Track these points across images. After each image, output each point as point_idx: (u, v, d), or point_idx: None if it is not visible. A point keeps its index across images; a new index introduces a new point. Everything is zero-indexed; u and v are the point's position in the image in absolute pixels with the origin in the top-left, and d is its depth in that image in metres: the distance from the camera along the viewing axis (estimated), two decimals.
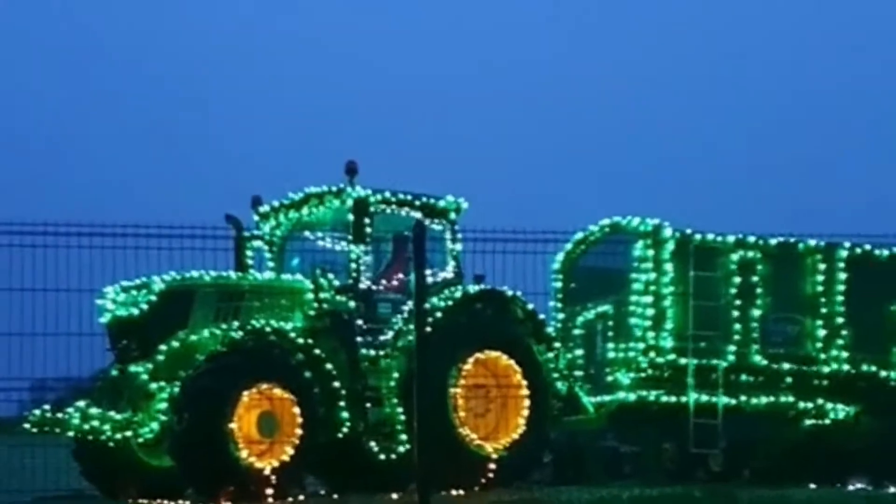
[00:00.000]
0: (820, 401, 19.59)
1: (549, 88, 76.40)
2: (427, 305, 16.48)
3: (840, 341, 19.56)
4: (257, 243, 18.18)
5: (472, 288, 17.74)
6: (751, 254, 19.40)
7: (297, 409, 16.01)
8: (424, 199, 17.90)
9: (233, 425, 15.58)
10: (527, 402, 17.43)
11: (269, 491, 15.74)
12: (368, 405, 16.90)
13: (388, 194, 17.65)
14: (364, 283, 17.27)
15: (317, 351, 16.43)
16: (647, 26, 77.51)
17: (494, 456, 17.11)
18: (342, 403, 16.47)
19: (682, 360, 18.79)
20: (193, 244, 16.96)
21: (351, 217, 17.18)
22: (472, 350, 17.26)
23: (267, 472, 15.76)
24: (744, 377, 19.19)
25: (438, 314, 16.85)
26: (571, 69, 77.94)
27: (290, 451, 15.98)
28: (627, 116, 75.91)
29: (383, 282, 17.64)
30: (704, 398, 18.85)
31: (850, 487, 18.86)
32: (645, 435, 20.24)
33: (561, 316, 19.91)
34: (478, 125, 74.83)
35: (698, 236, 19.24)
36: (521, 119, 76.22)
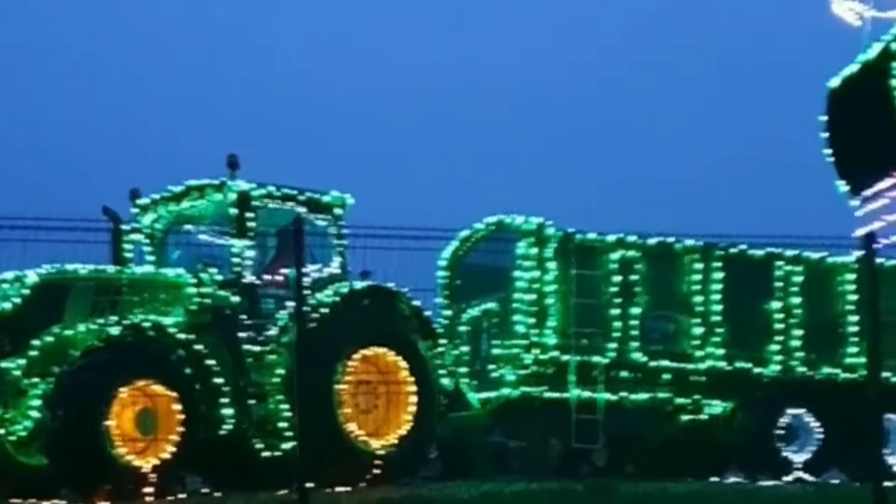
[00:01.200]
0: (697, 396, 18.41)
1: (437, 82, 74.71)
2: (312, 301, 15.35)
3: (716, 339, 18.34)
4: (136, 237, 16.44)
5: (358, 284, 16.25)
6: (630, 253, 18.14)
7: (177, 406, 14.46)
8: (309, 194, 16.39)
9: (109, 423, 13.99)
10: (413, 399, 15.99)
11: (148, 489, 14.16)
12: (252, 402, 15.31)
13: (271, 188, 16.11)
14: (248, 278, 15.67)
15: (198, 347, 14.84)
16: (533, 22, 76.17)
17: (381, 452, 15.71)
18: (224, 400, 14.94)
19: (565, 357, 17.48)
20: (69, 237, 15.15)
21: (233, 211, 15.65)
22: (358, 346, 15.76)
23: (146, 470, 14.20)
24: (624, 374, 17.93)
25: (324, 310, 15.41)
26: (460, 62, 76.21)
27: (171, 448, 14.44)
28: (517, 114, 74.43)
29: (267, 277, 16.00)
30: (586, 394, 17.57)
31: (727, 481, 17.82)
32: (532, 430, 18.89)
33: (447, 312, 18.44)
34: (365, 121, 72.60)
35: (580, 235, 17.97)
36: (409, 115, 74.19)
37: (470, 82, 77.57)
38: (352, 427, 15.53)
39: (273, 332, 15.51)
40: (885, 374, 18.37)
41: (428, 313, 16.85)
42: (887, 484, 16.98)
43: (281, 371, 15.22)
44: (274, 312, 15.67)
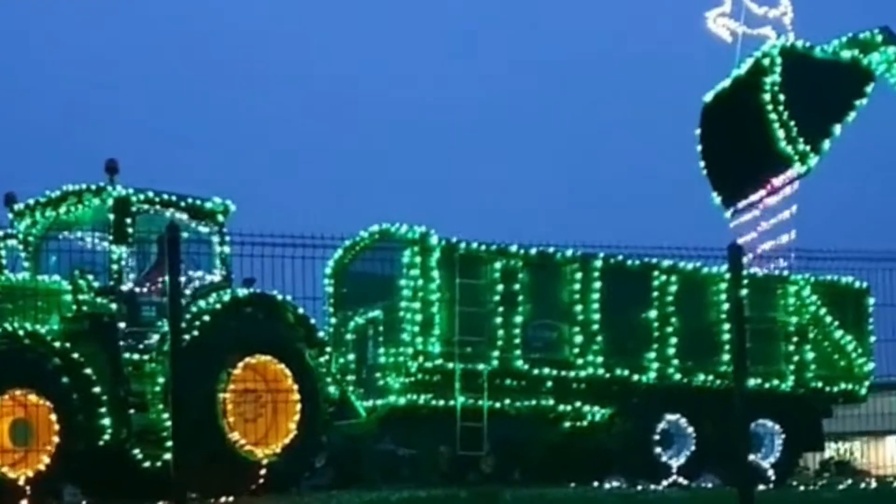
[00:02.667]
0: (578, 403, 17.89)
1: (321, 92, 73.51)
2: (194, 309, 14.41)
3: (596, 347, 17.79)
4: (11, 242, 15.24)
5: (242, 292, 15.24)
6: (512, 262, 17.52)
7: (53, 416, 13.38)
8: (190, 200, 15.35)
9: None
10: (298, 407, 15.05)
11: (24, 502, 13.03)
12: (132, 411, 14.21)
13: (150, 194, 15.07)
14: (127, 285, 14.61)
15: (75, 355, 13.72)
16: (426, 37, 75.48)
17: (265, 461, 14.72)
18: (103, 410, 13.84)
19: (450, 365, 16.78)
20: None
21: (112, 216, 14.57)
22: (242, 354, 14.78)
23: (21, 482, 13.10)
24: (507, 381, 17.29)
25: (206, 318, 14.41)
26: (352, 67, 75.05)
27: (47, 459, 13.35)
28: (402, 124, 73.69)
29: (147, 284, 14.92)
30: (471, 402, 16.88)
31: (607, 486, 17.20)
32: (421, 438, 18.16)
33: (333, 321, 17.62)
34: (250, 129, 71.04)
35: (463, 245, 17.27)
36: (294, 124, 72.82)
37: (354, 93, 76.76)
38: (236, 436, 14.57)
39: (153, 340, 14.46)
40: (757, 381, 18.72)
41: (313, 321, 15.89)
42: (761, 487, 17.18)
43: (162, 380, 14.14)
44: (155, 320, 14.59)
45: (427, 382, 16.73)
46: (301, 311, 15.64)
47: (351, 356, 17.31)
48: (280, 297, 15.36)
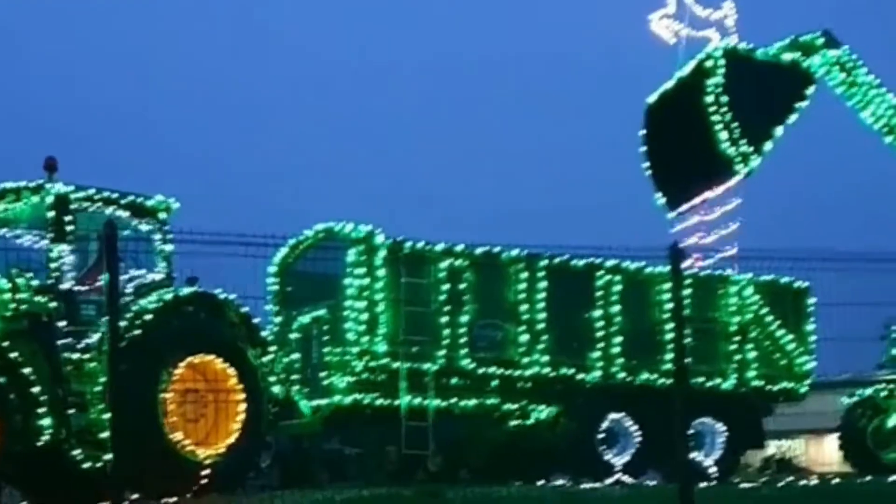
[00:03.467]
0: (523, 402, 17.63)
1: (262, 91, 72.73)
2: (135, 307, 13.88)
3: (541, 346, 17.53)
4: None
5: (184, 290, 14.73)
6: (458, 262, 17.21)
7: None
8: (131, 198, 14.80)
9: None
10: (242, 407, 14.51)
11: None
12: (72, 411, 13.61)
13: (91, 191, 14.51)
14: (66, 284, 14.01)
15: (13, 354, 13.18)
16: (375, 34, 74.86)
17: (208, 462, 14.19)
18: (42, 410, 13.26)
19: (395, 364, 16.46)
20: None
21: (50, 214, 14.02)
22: (184, 354, 14.25)
23: None
24: (453, 380, 16.99)
25: (147, 316, 13.87)
26: (292, 68, 74.41)
27: None
28: (346, 124, 73.10)
29: (87, 282, 14.33)
30: (416, 401, 16.57)
31: (552, 484, 16.88)
32: (368, 437, 17.79)
33: (277, 320, 17.21)
34: (191, 129, 70.18)
35: (409, 244, 16.95)
36: (238, 123, 72.02)
37: (295, 92, 76.20)
38: (178, 436, 14.02)
39: (94, 339, 13.85)
40: (699, 380, 18.57)
41: (257, 320, 15.40)
42: (703, 484, 17.02)
43: (102, 379, 13.58)
44: (95, 319, 13.97)
45: (372, 382, 16.39)
46: (245, 310, 15.13)
47: (296, 355, 16.85)
48: (223, 295, 14.87)
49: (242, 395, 14.61)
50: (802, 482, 18.82)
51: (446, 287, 17.00)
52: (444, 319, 16.93)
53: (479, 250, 17.47)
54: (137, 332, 13.52)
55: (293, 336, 17.02)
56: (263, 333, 15.49)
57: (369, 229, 16.64)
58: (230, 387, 14.59)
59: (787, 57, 20.50)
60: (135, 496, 13.48)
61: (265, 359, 15.19)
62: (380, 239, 16.66)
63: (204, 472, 14.16)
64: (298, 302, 17.24)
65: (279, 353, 15.92)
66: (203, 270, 14.95)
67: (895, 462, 20.33)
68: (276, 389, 15.36)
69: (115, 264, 9.28)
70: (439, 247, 17.15)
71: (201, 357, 14.47)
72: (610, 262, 18.27)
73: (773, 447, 28.57)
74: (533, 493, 15.56)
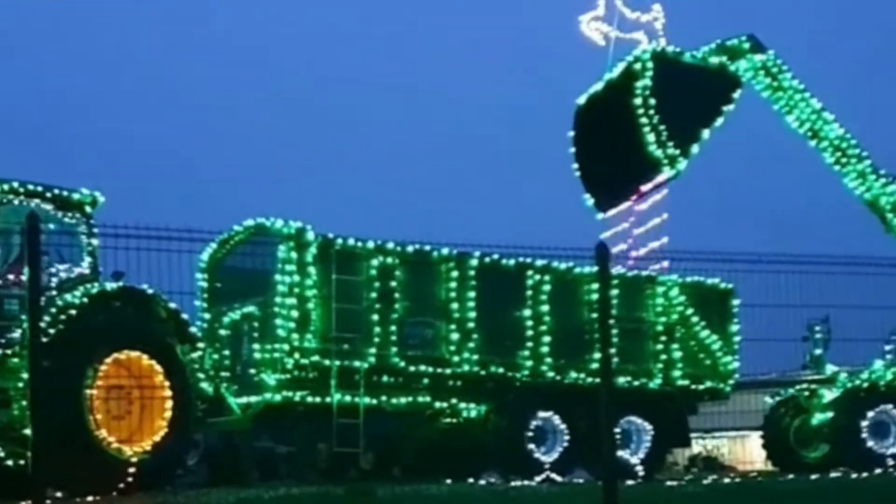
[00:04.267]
0: (454, 400, 17.28)
1: (196, 83, 71.64)
2: (60, 302, 13.38)
3: (471, 344, 17.20)
4: None
5: (110, 285, 14.22)
6: (389, 259, 16.81)
7: None
8: (56, 191, 14.30)
9: None
10: (169, 404, 14.05)
11: None
12: None
13: (15, 184, 14.01)
14: None
15: None
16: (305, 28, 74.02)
17: (134, 459, 13.72)
18: None
19: (326, 362, 16.01)
20: None
21: None
22: (110, 350, 13.77)
23: None
24: (384, 378, 16.58)
25: (73, 311, 13.40)
26: (213, 60, 73.34)
27: None
28: (277, 118, 72.22)
29: (11, 277, 13.74)
30: (347, 398, 16.13)
31: (482, 482, 16.65)
32: (299, 435, 17.33)
33: (206, 316, 16.67)
34: (124, 120, 68.92)
35: (340, 241, 16.51)
36: (170, 116, 70.90)
37: (226, 84, 75.25)
38: (103, 434, 13.53)
39: (16, 334, 13.31)
40: (626, 379, 18.45)
41: (185, 316, 14.96)
42: (630, 482, 16.89)
43: (26, 375, 13.14)
44: (18, 314, 13.37)
45: (303, 379, 15.93)
46: (173, 305, 14.70)
47: (225, 352, 16.41)
48: (151, 291, 14.40)
49: (170, 392, 14.10)
50: (726, 480, 18.85)
51: (377, 284, 16.60)
52: (375, 317, 16.52)
53: (410, 248, 17.10)
54: (62, 327, 13.02)
55: (223, 332, 16.52)
56: (192, 329, 15.06)
57: (300, 225, 16.20)
58: (157, 383, 14.11)
59: (715, 60, 20.48)
60: (58, 494, 12.97)
61: (194, 355, 14.74)
62: (310, 235, 16.22)
63: (130, 471, 13.64)
64: (228, 298, 16.72)
65: (208, 349, 15.49)
66: (130, 265, 14.48)
67: (817, 461, 20.41)
68: (205, 386, 14.91)
69: (37, 258, 8.81)
70: (370, 244, 16.75)
71: (128, 353, 13.99)
72: (540, 262, 18.06)
73: (699, 446, 28.69)
74: (463, 490, 15.28)
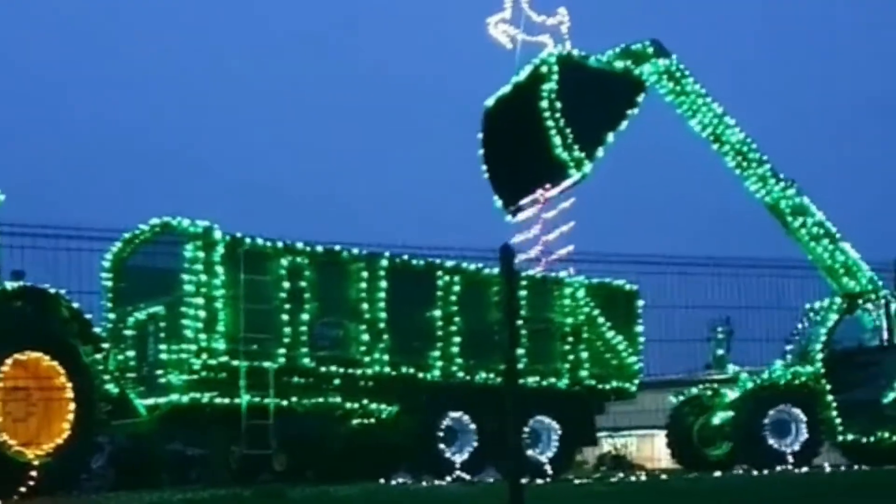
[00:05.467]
0: (365, 401, 16.79)
1: (97, 80, 70.05)
2: None
3: (382, 345, 16.78)
4: None
5: (10, 285, 13.54)
6: (299, 259, 16.31)
7: None
8: None
9: None
10: (72, 406, 13.38)
11: None
12: None
13: None
14: None
15: None
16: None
17: (36, 463, 13.03)
18: None
19: (235, 362, 15.42)
20: None
21: None
22: (10, 350, 13.09)
23: None
24: (294, 379, 16.05)
25: None
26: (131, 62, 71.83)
27: None
28: (182, 115, 70.98)
29: None
30: (257, 400, 15.56)
31: (393, 482, 16.26)
32: (211, 437, 16.71)
33: (111, 316, 15.96)
34: (23, 118, 67.15)
35: (248, 240, 15.95)
36: (72, 113, 69.30)
37: (134, 80, 73.80)
38: (4, 436, 12.86)
39: None
40: (535, 379, 18.23)
41: (89, 316, 14.36)
42: (539, 481, 16.67)
43: None
44: None
45: (211, 380, 15.30)
46: (76, 305, 14.09)
47: (131, 353, 15.70)
48: (53, 290, 13.76)
49: (72, 394, 13.43)
50: (632, 478, 18.77)
51: (287, 285, 16.07)
52: (285, 317, 15.99)
53: (319, 248, 16.63)
54: None
55: (128, 333, 15.81)
56: (96, 330, 14.43)
57: (207, 224, 15.60)
58: (59, 385, 13.41)
59: (619, 64, 20.31)
60: None
61: (98, 356, 14.10)
62: (218, 234, 15.63)
63: (31, 474, 12.95)
64: (134, 298, 16.01)
65: (113, 350, 14.83)
66: (31, 264, 13.84)
67: (719, 458, 20.40)
68: (110, 387, 14.27)
69: None
70: (279, 244, 16.23)
71: (28, 354, 13.29)
72: (450, 263, 17.77)
73: (608, 445, 28.64)
74: (374, 491, 14.89)
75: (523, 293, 18.07)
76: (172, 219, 15.79)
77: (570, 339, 18.73)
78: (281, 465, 17.05)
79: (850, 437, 20.09)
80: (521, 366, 17.53)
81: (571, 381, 18.61)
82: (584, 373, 18.73)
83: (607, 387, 19.05)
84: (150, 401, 15.24)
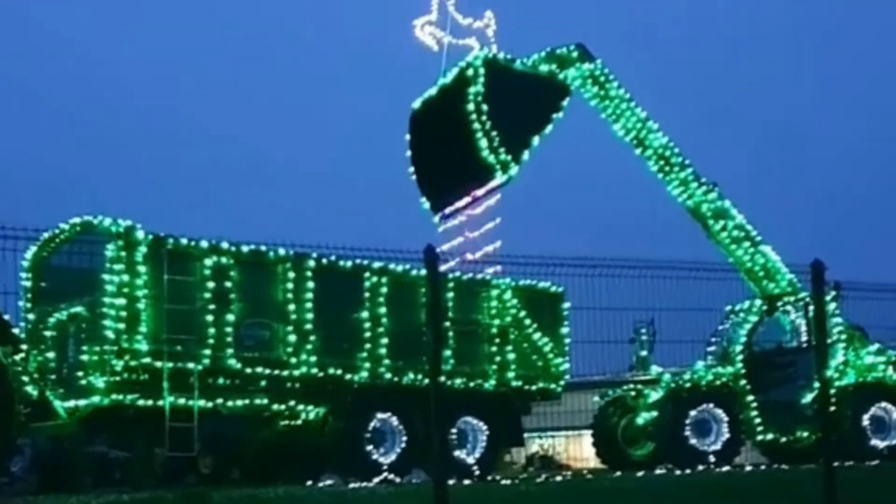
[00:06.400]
0: (292, 402, 16.37)
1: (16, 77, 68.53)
2: None
3: (309, 346, 16.35)
4: None
5: None
6: (224, 260, 15.82)
7: None
8: None
9: None
10: None
11: None
12: None
13: None
14: None
15: None
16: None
17: None
18: None
19: (158, 364, 14.90)
20: None
21: None
22: None
23: None
24: (219, 380, 15.55)
25: None
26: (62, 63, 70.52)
27: None
28: (107, 115, 69.70)
29: None
30: (181, 401, 15.05)
31: (320, 484, 15.84)
32: (135, 439, 16.10)
33: (31, 316, 15.37)
34: None
35: (172, 240, 15.45)
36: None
37: (44, 75, 72.22)
38: None
39: None
40: (462, 381, 17.92)
41: (7, 317, 13.67)
42: (466, 482, 16.38)
43: None
44: None
45: (134, 382, 14.76)
46: None
47: (51, 354, 15.12)
48: None
49: None
50: (558, 478, 18.59)
51: (211, 285, 15.59)
52: (210, 318, 15.50)
53: (245, 248, 16.16)
54: None
55: (48, 334, 15.22)
56: (14, 330, 13.79)
57: (129, 224, 15.07)
58: None
59: (544, 68, 20.16)
60: None
61: (16, 357, 13.52)
62: (140, 234, 15.12)
63: None
64: (54, 298, 15.44)
65: (32, 351, 14.25)
66: None
67: (643, 458, 20.31)
68: (29, 389, 13.69)
69: None
70: (204, 244, 15.74)
71: None
72: (377, 264, 17.41)
73: (536, 445, 28.44)
74: (299, 493, 14.47)
75: (450, 295, 17.81)
76: (94, 218, 15.22)
77: (497, 340, 18.47)
78: (206, 468, 16.53)
79: (769, 436, 20.12)
80: (448, 367, 17.30)
81: (498, 382, 18.34)
82: (510, 374, 18.48)
83: (534, 388, 18.83)
84: (71, 403, 14.65)
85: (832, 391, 19.60)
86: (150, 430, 15.27)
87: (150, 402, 14.89)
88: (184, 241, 15.61)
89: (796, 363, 20.61)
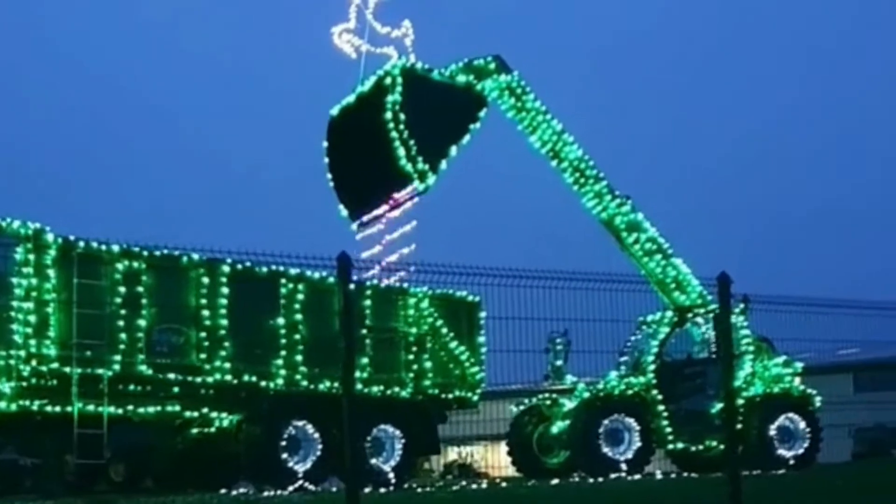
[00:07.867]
0: (205, 409, 15.77)
1: None
2: None
3: (223, 352, 15.76)
4: None
5: None
6: (136, 264, 15.20)
7: None
8: None
9: None
10: None
11: None
12: None
13: None
14: None
15: None
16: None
17: None
18: None
19: (67, 369, 14.22)
20: None
21: None
22: None
23: None
24: (130, 386, 14.91)
25: None
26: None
27: None
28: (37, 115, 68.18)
29: None
30: (91, 408, 14.37)
31: (234, 492, 15.26)
32: (44, 446, 15.31)
33: None
34: None
35: (82, 243, 14.79)
36: None
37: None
38: None
39: None
40: (379, 388, 17.46)
41: None
42: (382, 490, 15.94)
43: None
44: None
45: (42, 387, 14.09)
46: None
47: None
48: None
49: None
50: (474, 486, 18.26)
51: (123, 289, 14.95)
52: (121, 323, 14.86)
53: (157, 252, 15.54)
54: None
55: None
56: None
57: (38, 226, 14.39)
58: None
59: (462, 79, 19.77)
60: None
61: None
62: (50, 237, 14.45)
63: None
64: None
65: None
66: None
67: (557, 466, 20.03)
68: None
69: None
70: (115, 247, 15.09)
71: None
72: (294, 271, 16.90)
73: (454, 453, 27.99)
74: (213, 502, 13.91)
75: (367, 303, 17.36)
76: (2, 220, 14.49)
77: (414, 348, 18.06)
78: (118, 475, 15.83)
79: (679, 445, 19.97)
80: (364, 375, 16.83)
81: (415, 390, 17.92)
82: (427, 382, 18.07)
83: (450, 396, 18.45)
84: None
85: (740, 402, 19.55)
86: (59, 437, 14.56)
87: (58, 409, 14.19)
88: (94, 244, 14.97)
89: (706, 374, 20.50)
